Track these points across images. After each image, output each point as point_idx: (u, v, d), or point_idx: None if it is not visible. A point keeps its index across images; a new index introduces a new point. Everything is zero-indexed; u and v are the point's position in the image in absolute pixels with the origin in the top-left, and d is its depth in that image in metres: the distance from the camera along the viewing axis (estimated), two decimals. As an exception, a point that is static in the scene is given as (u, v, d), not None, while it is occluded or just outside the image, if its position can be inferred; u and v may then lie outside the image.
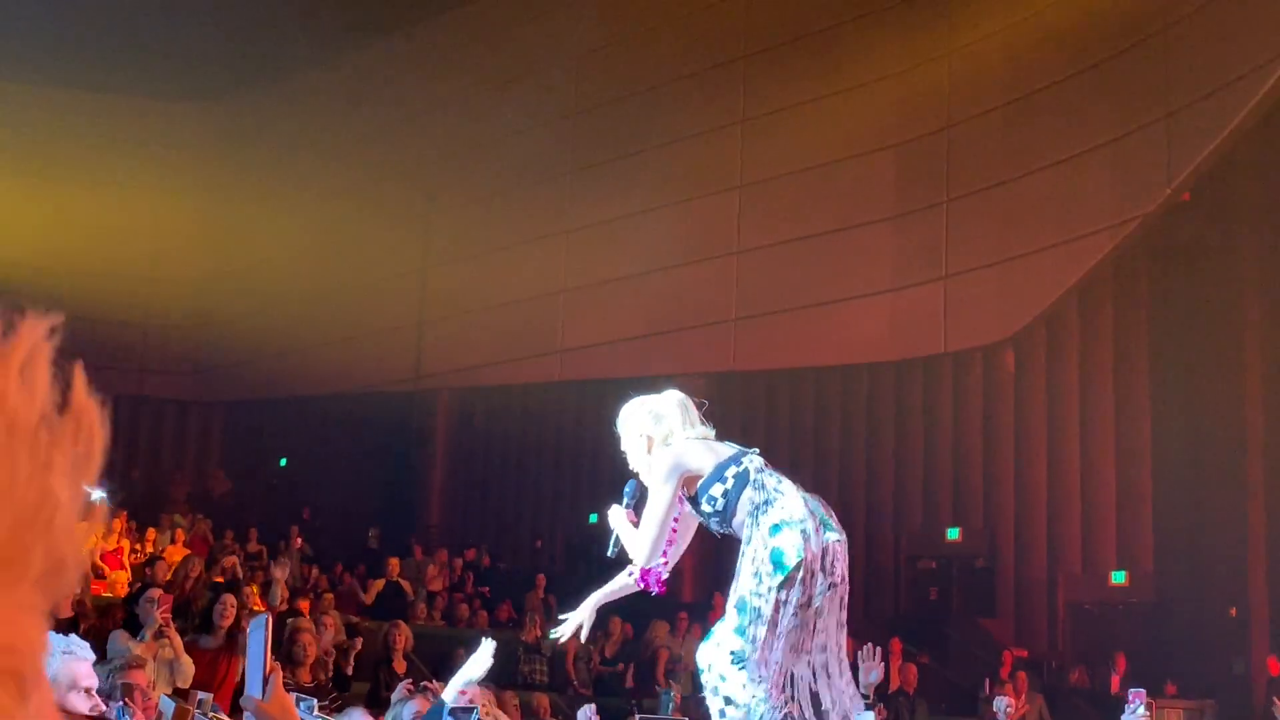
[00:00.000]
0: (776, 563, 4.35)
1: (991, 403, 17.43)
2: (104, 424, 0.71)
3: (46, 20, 19.95)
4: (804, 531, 4.37)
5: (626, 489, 4.80)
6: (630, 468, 4.81)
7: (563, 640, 4.94)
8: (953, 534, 17.25)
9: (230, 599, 8.72)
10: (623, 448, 4.83)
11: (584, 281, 20.18)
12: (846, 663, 4.50)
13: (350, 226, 22.35)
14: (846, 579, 4.50)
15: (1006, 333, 16.88)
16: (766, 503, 4.45)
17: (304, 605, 11.83)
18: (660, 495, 4.57)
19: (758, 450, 4.64)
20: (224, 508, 20.48)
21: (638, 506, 4.70)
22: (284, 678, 8.29)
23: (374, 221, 22.24)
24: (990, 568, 17.03)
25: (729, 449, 4.65)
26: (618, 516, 4.74)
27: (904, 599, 17.52)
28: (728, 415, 18.92)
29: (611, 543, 4.73)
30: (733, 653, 4.33)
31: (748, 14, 19.12)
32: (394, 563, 15.87)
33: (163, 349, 24.09)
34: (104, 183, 22.78)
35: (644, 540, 4.60)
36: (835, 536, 4.46)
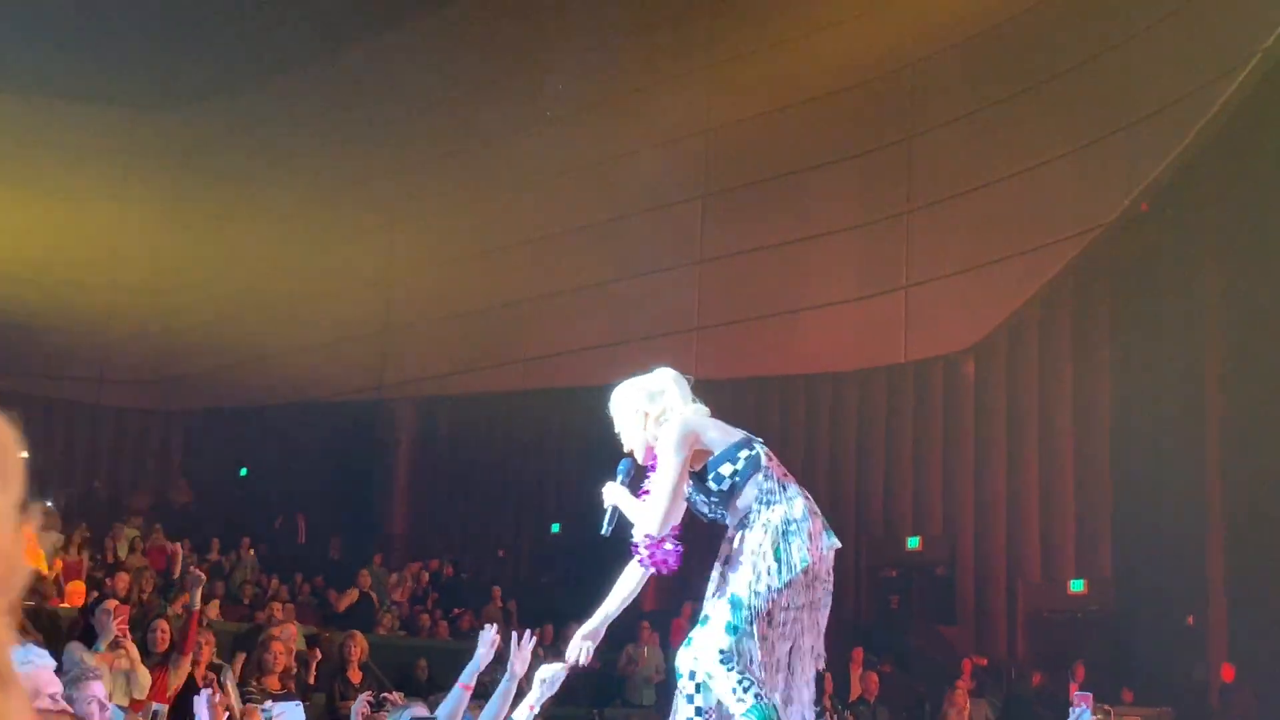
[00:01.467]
0: (781, 563, 4.25)
1: (952, 412, 17.51)
2: (19, 441, 0.75)
3: (5, 28, 19.82)
4: (810, 534, 4.29)
5: (621, 467, 4.65)
6: (625, 449, 4.65)
7: (580, 661, 4.75)
8: (913, 543, 17.33)
9: (162, 624, 8.67)
10: (617, 429, 4.68)
11: (548, 290, 20.18)
12: (813, 671, 4.38)
13: (313, 235, 22.28)
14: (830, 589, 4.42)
15: (967, 342, 16.98)
16: (772, 494, 4.36)
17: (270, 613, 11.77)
18: (671, 464, 4.40)
19: (761, 440, 4.54)
20: (185, 518, 20.36)
21: (632, 485, 4.56)
22: (254, 684, 8.20)
23: (337, 230, 22.19)
24: (951, 576, 17.12)
25: (737, 431, 4.54)
26: (616, 492, 4.57)
27: (865, 607, 17.58)
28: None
29: (606, 519, 4.57)
30: (721, 651, 4.18)
31: (711, 24, 19.18)
32: (365, 574, 15.83)
33: (124, 358, 23.93)
34: (65, 190, 22.63)
35: (656, 510, 4.41)
36: (836, 543, 4.39)
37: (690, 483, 4.49)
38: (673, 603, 16.74)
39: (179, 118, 23.73)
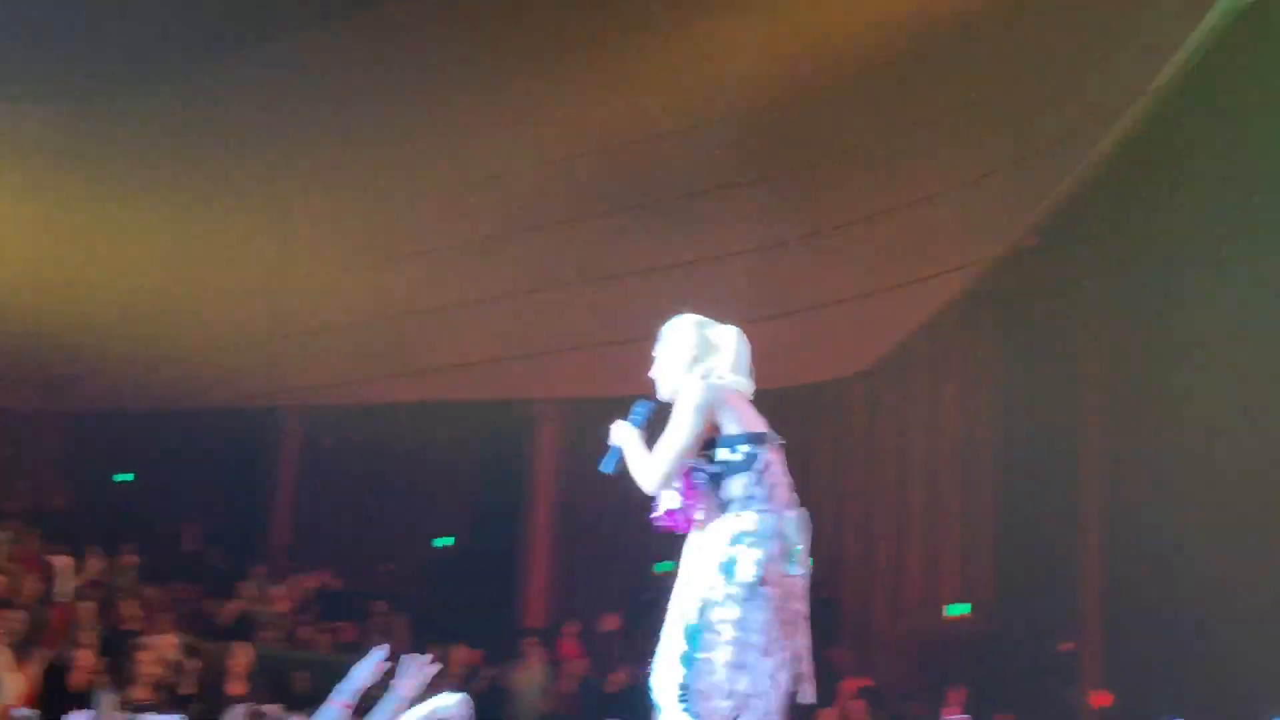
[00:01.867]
0: (727, 574, 4.12)
1: (840, 437, 17.70)
2: None
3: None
4: (768, 553, 4.17)
5: (641, 407, 4.49)
6: (652, 375, 4.48)
7: None
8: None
9: (4, 613, 8.51)
10: (655, 352, 4.54)
11: (441, 303, 20.04)
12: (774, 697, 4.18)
13: (202, 238, 21.90)
14: (804, 617, 4.29)
15: (857, 368, 17.17)
16: (751, 500, 4.21)
17: (142, 623, 11.57)
18: (685, 426, 4.25)
19: (782, 442, 4.39)
20: (63, 523, 19.90)
21: (650, 428, 4.38)
22: (121, 695, 8.09)
23: (227, 234, 21.82)
24: (835, 599, 17.27)
25: (759, 421, 4.36)
26: (625, 433, 4.39)
27: (751, 628, 17.67)
28: (586, 442, 18.95)
29: (608, 457, 4.39)
30: (680, 686, 4.07)
31: (613, 45, 19.18)
32: (247, 585, 15.65)
33: (3, 357, 23.34)
34: (-54, 184, 22.05)
35: (657, 467, 4.24)
36: (797, 571, 4.27)
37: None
38: (560, 617, 16.70)
39: (68, 112, 23.21)
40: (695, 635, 4.10)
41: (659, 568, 16.81)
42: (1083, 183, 14.98)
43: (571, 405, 19.12)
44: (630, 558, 18.18)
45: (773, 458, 4.33)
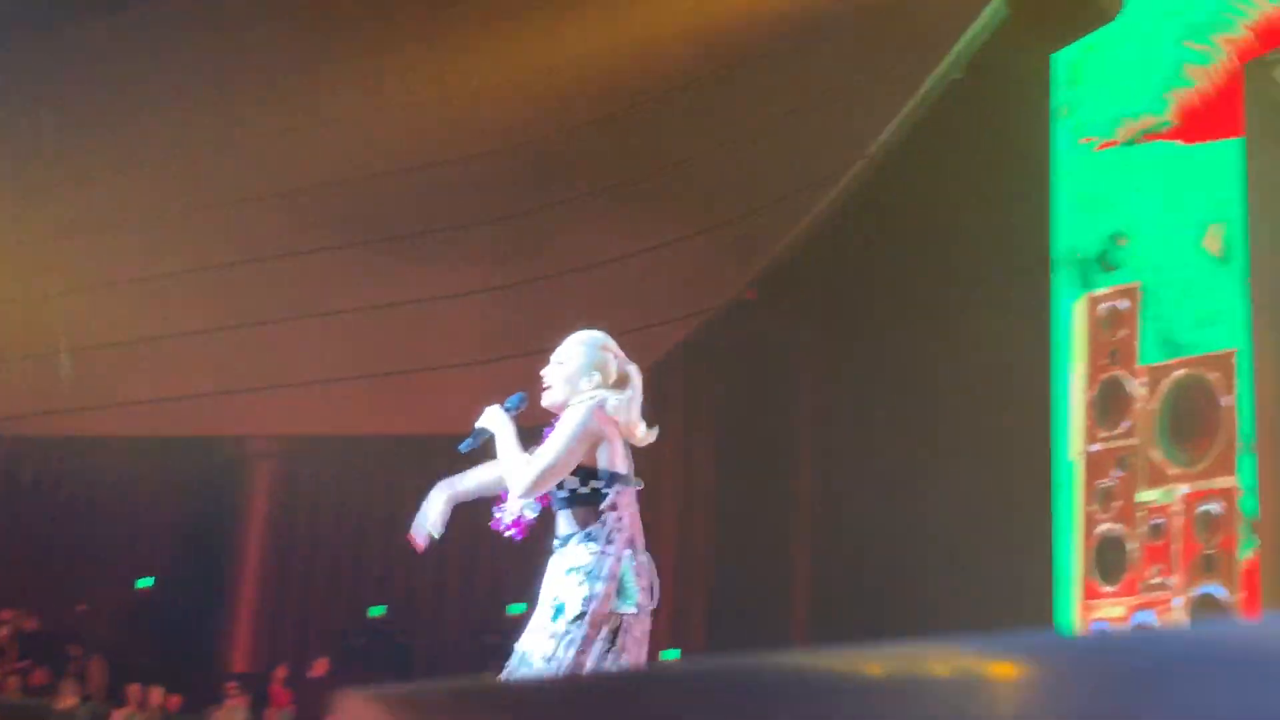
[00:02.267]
0: (557, 610, 4.16)
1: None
2: None
3: None
4: (593, 590, 4.18)
5: (514, 399, 4.49)
6: (544, 374, 4.43)
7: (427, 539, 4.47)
8: (518, 609, 17.44)
9: None
10: (556, 357, 4.43)
11: (157, 333, 19.33)
12: None
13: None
14: (637, 658, 4.24)
15: (581, 413, 17.29)
16: (591, 537, 4.22)
17: None
18: (568, 445, 4.26)
19: (640, 485, 4.42)
20: None
21: (518, 420, 4.37)
22: None
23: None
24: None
25: (625, 466, 4.39)
26: (497, 420, 4.41)
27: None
28: (302, 480, 18.53)
29: (472, 438, 4.40)
30: None
31: (349, 78, 18.97)
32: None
33: None
34: None
35: (530, 474, 4.24)
36: (628, 611, 4.25)
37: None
38: (267, 661, 16.25)
39: None
40: (543, 667, 4.15)
41: (373, 612, 16.55)
42: (802, 239, 15.51)
43: (288, 443, 18.68)
44: (342, 601, 17.82)
45: (623, 500, 4.36)
